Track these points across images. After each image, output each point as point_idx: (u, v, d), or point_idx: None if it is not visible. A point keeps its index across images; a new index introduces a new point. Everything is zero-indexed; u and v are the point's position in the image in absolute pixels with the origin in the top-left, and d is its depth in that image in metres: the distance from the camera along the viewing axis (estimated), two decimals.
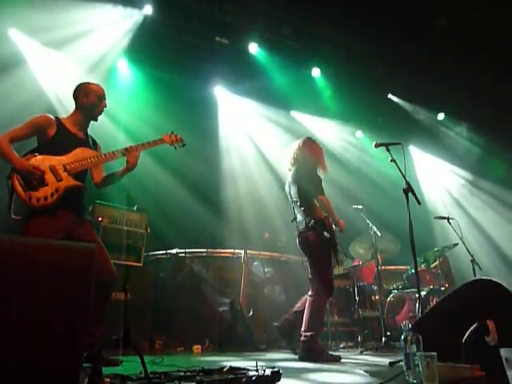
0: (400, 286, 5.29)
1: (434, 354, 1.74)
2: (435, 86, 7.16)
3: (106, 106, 2.81)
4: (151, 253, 4.94)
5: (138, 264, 4.35)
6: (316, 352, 3.25)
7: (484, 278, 2.25)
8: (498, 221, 7.43)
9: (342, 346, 4.63)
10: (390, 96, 7.76)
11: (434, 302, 4.61)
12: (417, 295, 4.76)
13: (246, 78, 6.74)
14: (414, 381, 1.86)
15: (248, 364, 3.01)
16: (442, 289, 4.79)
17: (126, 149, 2.74)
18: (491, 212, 7.67)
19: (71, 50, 5.12)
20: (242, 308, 4.53)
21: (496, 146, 7.45)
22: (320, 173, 3.69)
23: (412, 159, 8.55)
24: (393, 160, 3.20)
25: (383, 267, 5.40)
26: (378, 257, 4.88)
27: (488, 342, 1.98)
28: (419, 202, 3.05)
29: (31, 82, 5.09)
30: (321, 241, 3.42)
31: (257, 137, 7.28)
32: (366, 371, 2.61)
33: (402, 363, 2.68)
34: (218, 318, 4.60)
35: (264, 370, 1.93)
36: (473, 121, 7.83)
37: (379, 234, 4.58)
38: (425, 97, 7.62)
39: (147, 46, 5.88)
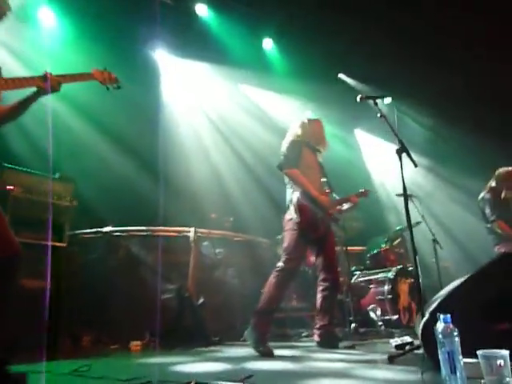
0: (362, 267, 4.91)
1: (505, 352, 1.22)
2: (385, 66, 6.85)
3: (9, 8, 2.00)
4: (78, 231, 4.11)
5: (61, 244, 3.55)
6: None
7: None
8: (448, 205, 7.36)
9: (304, 334, 4.13)
10: (340, 75, 7.39)
11: (402, 282, 4.27)
12: (380, 275, 4.44)
13: (192, 43, 5.98)
14: None
15: (211, 367, 2.38)
16: (410, 269, 4.47)
17: (43, 76, 2.00)
18: (440, 196, 7.61)
19: None
20: (190, 294, 3.87)
21: (446, 127, 7.34)
22: (310, 149, 3.39)
23: (358, 143, 8.35)
24: (382, 115, 2.71)
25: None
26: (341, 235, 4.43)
27: None
28: (416, 165, 2.58)
29: None
30: (289, 220, 3.18)
31: (207, 106, 6.54)
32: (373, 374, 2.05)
33: (401, 356, 2.21)
34: (161, 307, 3.86)
35: None
36: (419, 100, 7.63)
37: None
38: (375, 77, 7.31)
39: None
